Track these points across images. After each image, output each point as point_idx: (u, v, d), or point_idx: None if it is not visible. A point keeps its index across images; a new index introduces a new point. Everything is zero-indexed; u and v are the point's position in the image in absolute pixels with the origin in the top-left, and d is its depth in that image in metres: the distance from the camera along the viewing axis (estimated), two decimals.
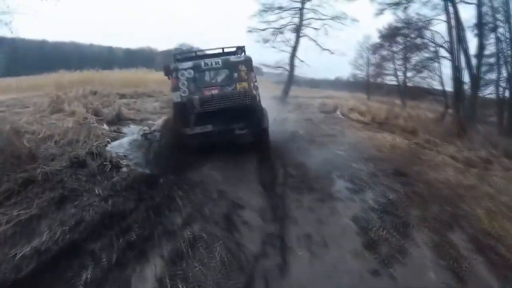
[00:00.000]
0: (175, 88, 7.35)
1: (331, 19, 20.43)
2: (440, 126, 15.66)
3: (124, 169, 6.91)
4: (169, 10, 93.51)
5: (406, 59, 26.29)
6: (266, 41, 20.93)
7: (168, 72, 7.43)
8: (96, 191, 5.72)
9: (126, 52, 51.53)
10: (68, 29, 74.20)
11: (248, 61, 7.44)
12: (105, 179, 6.27)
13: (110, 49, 50.96)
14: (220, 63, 7.37)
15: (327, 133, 12.05)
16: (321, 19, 20.51)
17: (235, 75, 7.33)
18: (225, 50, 8.07)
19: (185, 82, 7.29)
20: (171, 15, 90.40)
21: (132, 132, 9.91)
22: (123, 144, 8.71)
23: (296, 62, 21.34)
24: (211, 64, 7.37)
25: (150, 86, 26.09)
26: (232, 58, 7.54)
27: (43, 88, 20.93)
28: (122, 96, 20.29)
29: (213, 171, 7.01)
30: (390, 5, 19.06)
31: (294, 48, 21.00)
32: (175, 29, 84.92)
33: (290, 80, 21.95)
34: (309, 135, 11.36)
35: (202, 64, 7.36)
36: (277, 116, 10.80)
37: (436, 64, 20.29)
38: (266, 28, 21.08)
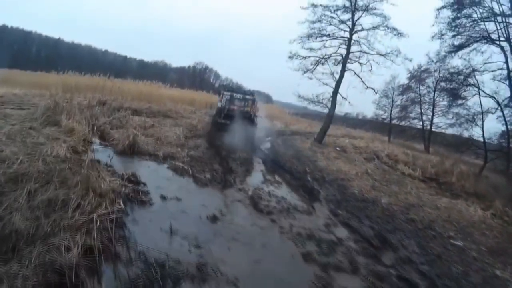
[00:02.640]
0: (220, 101, 14.48)
1: (382, 55, 16.66)
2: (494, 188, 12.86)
3: None
4: (187, 27, 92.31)
5: (434, 104, 23.73)
6: (306, 70, 17.52)
7: (219, 93, 15.14)
8: None
9: (140, 63, 48.85)
10: (84, 32, 72.61)
11: (253, 100, 14.59)
12: None
13: (124, 58, 48.40)
14: (241, 97, 14.51)
15: (410, 202, 9.00)
16: (370, 54, 16.93)
17: (246, 103, 14.40)
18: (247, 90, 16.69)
19: (224, 100, 14.28)
20: (188, 32, 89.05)
21: (157, 187, 6.28)
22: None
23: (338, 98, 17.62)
24: (237, 96, 14.50)
25: (166, 103, 22.64)
26: (247, 96, 14.68)
27: (50, 87, 17.99)
28: (135, 112, 16.75)
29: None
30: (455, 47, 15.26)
31: (338, 83, 17.23)
32: (192, 47, 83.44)
33: (330, 119, 18.09)
34: (403, 207, 8.38)
35: (234, 95, 14.51)
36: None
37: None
38: (309, 56, 17.64)
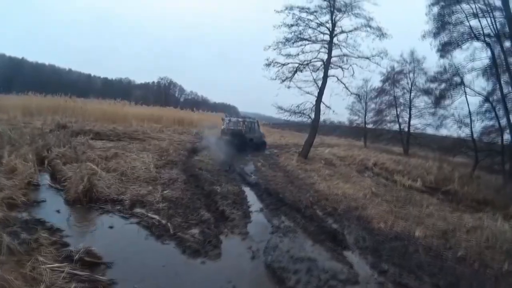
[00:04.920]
0: (223, 124, 17.79)
1: (367, 58, 14.93)
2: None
3: None
4: (152, 43, 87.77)
5: (410, 106, 22.69)
6: (284, 79, 15.43)
7: (223, 119, 18.22)
8: None
9: (104, 81, 44.83)
10: (47, 51, 66.77)
11: (255, 122, 18.59)
12: None
13: (88, 77, 44.18)
14: (239, 121, 17.92)
15: (440, 228, 7.15)
16: (354, 57, 15.12)
17: (239, 124, 17.61)
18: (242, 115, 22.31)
19: (226, 124, 17.54)
20: (153, 47, 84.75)
21: (127, 269, 3.97)
22: None
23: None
24: (236, 121, 17.79)
25: (132, 123, 19.80)
26: (239, 119, 18.22)
27: (8, 111, 16.09)
28: (98, 135, 14.07)
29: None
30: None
31: (321, 91, 15.19)
32: (156, 63, 79.34)
33: (315, 130, 16.03)
34: (439, 238, 6.59)
35: (234, 120, 18.02)
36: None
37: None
38: (287, 63, 15.51)
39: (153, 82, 42.85)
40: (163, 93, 41.00)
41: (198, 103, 44.16)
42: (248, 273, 4.43)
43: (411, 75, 22.06)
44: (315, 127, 15.82)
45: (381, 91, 24.14)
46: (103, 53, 70.66)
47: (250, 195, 8.43)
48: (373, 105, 25.15)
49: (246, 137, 16.95)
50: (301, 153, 15.72)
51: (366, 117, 25.43)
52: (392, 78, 23.02)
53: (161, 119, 24.14)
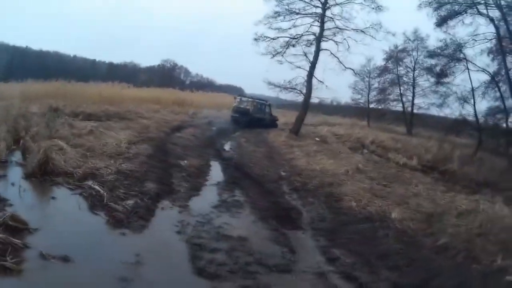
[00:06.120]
0: (234, 102, 18.52)
1: (360, 30, 13.38)
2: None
3: None
4: (155, 25, 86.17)
5: (414, 84, 20.99)
6: (275, 53, 14.09)
7: (235, 98, 19.24)
8: None
9: (109, 66, 44.05)
10: (52, 38, 66.44)
11: (254, 102, 18.61)
12: None
13: (93, 62, 43.40)
14: (249, 100, 18.32)
15: (426, 210, 5.65)
16: (347, 29, 13.61)
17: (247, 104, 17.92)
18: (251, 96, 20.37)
19: (236, 102, 18.17)
20: (157, 29, 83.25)
21: (48, 235, 3.56)
22: None
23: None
24: (246, 100, 18.25)
25: (126, 104, 18.96)
26: (249, 99, 18.77)
27: (5, 98, 15.31)
28: (88, 116, 13.26)
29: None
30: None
31: (313, 65, 13.84)
32: (162, 44, 78.05)
33: (306, 105, 14.76)
34: (422, 222, 5.11)
35: (243, 98, 18.66)
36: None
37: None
38: (277, 37, 14.13)
39: (158, 65, 41.92)
40: (167, 76, 39.88)
41: (203, 85, 43.19)
42: (162, 247, 3.66)
43: (414, 53, 20.36)
44: (307, 102, 14.61)
45: (384, 70, 22.47)
46: (111, 38, 69.25)
47: (215, 169, 7.44)
48: (376, 84, 23.52)
49: (254, 116, 17.33)
50: (292, 129, 14.50)
51: (369, 96, 23.87)
52: (395, 56, 21.33)
53: (160, 100, 23.22)
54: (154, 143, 9.11)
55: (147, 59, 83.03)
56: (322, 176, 7.43)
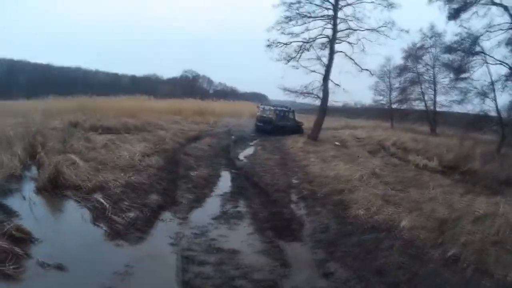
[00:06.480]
0: (258, 112, 18.46)
1: (374, 30, 12.98)
2: None
3: None
4: (179, 38, 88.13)
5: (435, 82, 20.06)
6: (289, 59, 13.96)
7: (258, 107, 19.16)
8: None
9: (131, 79, 45.56)
10: (74, 53, 69.74)
11: (288, 111, 19.26)
12: None
13: (116, 76, 45.17)
14: (271, 108, 18.38)
15: (441, 216, 5.19)
16: (360, 30, 13.27)
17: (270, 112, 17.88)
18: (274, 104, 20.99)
19: (260, 111, 18.23)
20: (181, 42, 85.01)
21: (50, 245, 3.78)
22: None
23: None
24: (268, 108, 18.35)
25: (147, 116, 19.46)
26: (272, 108, 18.73)
27: (30, 114, 15.52)
28: (107, 129, 13.75)
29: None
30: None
31: (328, 68, 13.56)
32: (185, 56, 79.83)
33: (324, 110, 14.48)
34: (433, 230, 4.69)
35: (265, 107, 18.68)
36: None
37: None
38: (290, 42, 14.01)
39: (180, 76, 42.91)
40: (189, 86, 40.61)
41: (226, 94, 43.63)
42: (153, 259, 3.70)
43: (432, 50, 19.47)
44: (324, 106, 14.22)
45: (403, 69, 21.61)
46: (131, 51, 71.68)
47: (224, 179, 7.44)
48: (397, 84, 22.72)
49: (277, 124, 17.56)
50: (310, 135, 14.24)
51: (391, 96, 23.07)
52: (414, 54, 20.53)
53: (181, 111, 23.68)
54: (167, 155, 9.28)
55: (170, 70, 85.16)
56: (335, 182, 7.17)
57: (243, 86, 69.58)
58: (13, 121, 13.91)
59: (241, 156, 10.62)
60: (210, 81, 48.10)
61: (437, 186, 7.37)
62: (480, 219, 5.19)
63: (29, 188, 6.02)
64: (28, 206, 5.01)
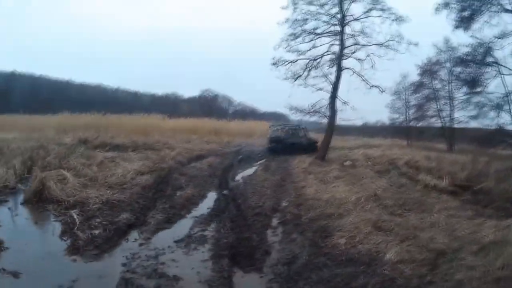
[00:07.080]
0: (269, 133, 19.00)
1: (382, 44, 12.50)
2: None
3: None
4: (201, 57, 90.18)
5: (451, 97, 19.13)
6: (296, 77, 13.67)
7: (269, 127, 19.80)
8: None
9: (151, 97, 46.94)
10: (94, 71, 72.90)
11: (299, 129, 19.09)
12: None
13: (135, 95, 46.61)
14: (279, 127, 19.51)
15: (437, 247, 4.37)
16: (369, 45, 12.82)
17: (282, 130, 18.86)
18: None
19: (271, 132, 18.77)
20: (202, 61, 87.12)
21: (17, 253, 4.12)
22: None
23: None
24: (277, 127, 19.23)
25: (159, 135, 19.73)
26: (282, 126, 19.59)
27: (41, 130, 17.38)
28: (115, 147, 14.00)
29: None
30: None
31: (335, 85, 13.10)
32: (206, 74, 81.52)
33: (331, 128, 13.92)
34: (423, 263, 3.99)
35: (275, 128, 19.28)
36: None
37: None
38: (296, 60, 13.77)
39: (199, 96, 43.66)
40: (207, 106, 41.20)
41: (246, 114, 43.86)
42: (98, 278, 3.61)
43: (447, 64, 18.68)
44: (332, 125, 13.62)
45: (419, 85, 20.90)
46: (154, 70, 74.05)
47: (207, 200, 7.14)
48: (413, 101, 21.94)
49: (286, 142, 17.55)
50: (317, 155, 13.67)
51: (408, 114, 22.26)
52: (429, 69, 19.81)
53: (196, 131, 23.93)
54: (160, 174, 9.27)
55: (189, 90, 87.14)
56: (325, 206, 6.59)
57: (265, 105, 69.95)
58: (24, 135, 14.63)
59: (239, 176, 10.32)
60: (230, 101, 48.82)
61: (443, 209, 6.56)
62: (485, 248, 4.38)
63: (18, 200, 6.40)
64: (10, 216, 5.42)
